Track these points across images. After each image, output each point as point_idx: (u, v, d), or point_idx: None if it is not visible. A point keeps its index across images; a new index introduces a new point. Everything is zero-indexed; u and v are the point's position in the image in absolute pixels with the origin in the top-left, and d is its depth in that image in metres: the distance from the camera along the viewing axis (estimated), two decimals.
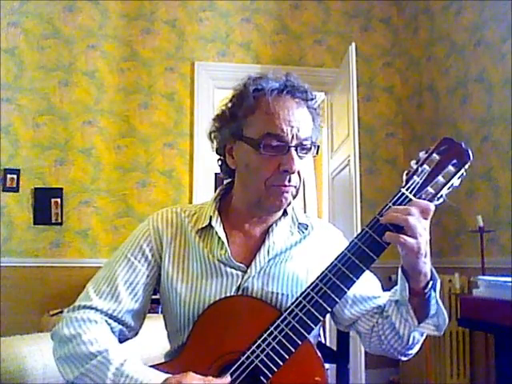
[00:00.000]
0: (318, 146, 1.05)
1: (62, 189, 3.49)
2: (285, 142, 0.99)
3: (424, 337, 1.03)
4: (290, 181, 1.00)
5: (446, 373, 2.91)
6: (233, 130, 1.04)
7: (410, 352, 1.06)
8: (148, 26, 3.73)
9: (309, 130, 1.03)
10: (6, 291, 3.29)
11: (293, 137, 0.99)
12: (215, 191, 1.17)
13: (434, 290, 0.97)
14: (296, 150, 0.99)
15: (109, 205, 3.55)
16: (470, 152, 0.94)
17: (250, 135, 1.01)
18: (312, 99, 1.06)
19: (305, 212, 1.23)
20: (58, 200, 3.47)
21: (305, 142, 1.01)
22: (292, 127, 0.99)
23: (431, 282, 0.96)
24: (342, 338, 1.27)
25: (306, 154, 1.02)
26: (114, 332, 1.01)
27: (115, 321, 1.02)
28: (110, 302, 1.01)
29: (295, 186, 1.02)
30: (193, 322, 1.01)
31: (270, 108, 1.00)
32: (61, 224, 3.47)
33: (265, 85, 1.02)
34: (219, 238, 1.06)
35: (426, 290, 0.96)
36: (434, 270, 0.97)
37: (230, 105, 1.07)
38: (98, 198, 3.54)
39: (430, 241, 0.93)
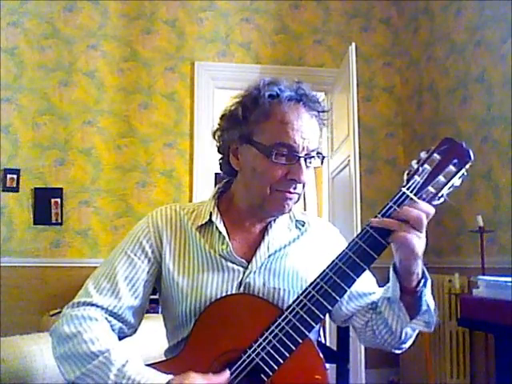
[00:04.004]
0: (324, 157, 1.06)
1: (62, 189, 3.49)
2: (296, 153, 1.00)
3: (416, 332, 1.06)
4: (295, 188, 1.02)
5: (446, 373, 2.90)
6: (242, 133, 1.05)
7: (403, 346, 1.09)
8: (148, 26, 3.73)
9: (317, 141, 1.05)
10: (6, 291, 3.29)
11: (303, 148, 1.01)
12: None
13: (426, 287, 0.98)
14: (305, 160, 1.01)
15: (109, 205, 3.55)
16: (470, 152, 0.94)
17: (261, 141, 1.01)
18: (323, 111, 1.07)
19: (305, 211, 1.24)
20: (58, 200, 3.47)
21: (313, 154, 1.03)
22: (304, 139, 1.00)
23: (422, 281, 0.97)
24: (342, 337, 1.28)
25: (311, 164, 1.04)
26: (113, 330, 1.01)
27: (115, 318, 1.02)
28: (110, 298, 1.01)
29: (298, 194, 1.04)
30: (194, 318, 1.02)
31: (285, 117, 1.00)
32: (61, 224, 3.47)
33: (280, 92, 1.02)
34: (220, 233, 1.07)
35: (417, 289, 0.97)
36: (425, 269, 0.98)
37: (241, 107, 1.06)
38: (98, 198, 3.54)
39: (429, 241, 0.94)
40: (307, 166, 1.02)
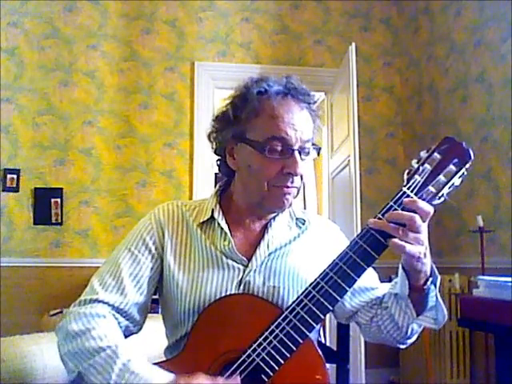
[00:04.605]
0: (320, 148, 1.07)
1: (62, 189, 3.49)
2: (289, 146, 1.00)
3: (422, 328, 1.06)
4: (292, 182, 1.02)
5: (446, 373, 2.90)
6: (235, 132, 1.05)
7: (408, 341, 1.09)
8: (148, 26, 3.73)
9: (310, 132, 1.05)
10: (6, 291, 3.29)
11: (296, 140, 1.01)
12: None
13: (434, 285, 0.99)
14: (299, 153, 1.01)
15: (109, 205, 3.55)
16: (471, 151, 0.94)
17: (254, 138, 1.02)
18: (314, 102, 1.08)
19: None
20: (58, 200, 3.47)
21: (307, 145, 1.03)
22: (296, 131, 1.01)
23: (431, 279, 0.97)
24: (342, 337, 1.27)
25: (307, 156, 1.04)
26: (120, 327, 1.00)
27: (122, 315, 1.02)
28: (116, 294, 1.01)
29: (297, 188, 1.04)
30: (193, 316, 1.02)
31: (274, 111, 1.01)
32: (61, 224, 3.47)
33: (268, 87, 1.03)
34: (222, 229, 1.07)
35: (425, 287, 0.97)
36: (434, 266, 0.98)
37: (231, 107, 1.07)
38: (98, 198, 3.54)
39: (430, 241, 0.94)
40: (302, 158, 1.02)
